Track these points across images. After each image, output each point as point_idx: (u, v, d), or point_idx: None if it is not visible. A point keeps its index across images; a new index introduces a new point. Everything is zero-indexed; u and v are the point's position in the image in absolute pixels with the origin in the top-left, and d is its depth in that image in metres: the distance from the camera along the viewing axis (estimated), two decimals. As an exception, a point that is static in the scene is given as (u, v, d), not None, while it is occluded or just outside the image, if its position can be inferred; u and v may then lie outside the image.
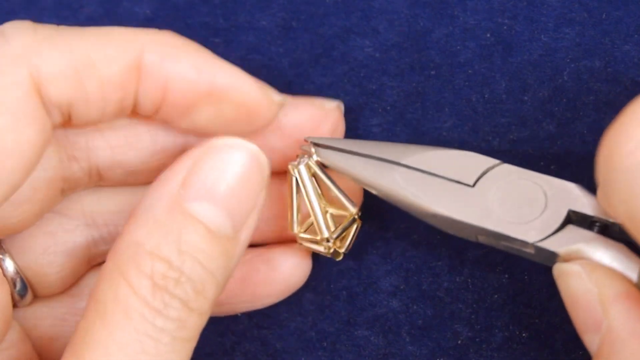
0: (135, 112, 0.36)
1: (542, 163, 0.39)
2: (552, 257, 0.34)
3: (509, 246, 0.35)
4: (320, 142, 0.38)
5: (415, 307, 0.40)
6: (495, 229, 0.34)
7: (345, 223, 0.38)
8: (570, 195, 0.34)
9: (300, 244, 0.39)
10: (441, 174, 0.36)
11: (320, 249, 0.39)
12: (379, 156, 0.37)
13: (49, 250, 0.38)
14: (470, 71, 0.41)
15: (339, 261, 0.40)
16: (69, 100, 0.34)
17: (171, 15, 0.44)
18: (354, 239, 0.39)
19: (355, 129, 0.41)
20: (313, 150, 0.37)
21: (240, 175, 0.33)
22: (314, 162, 0.37)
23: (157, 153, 0.38)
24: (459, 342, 0.39)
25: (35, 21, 0.45)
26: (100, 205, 0.39)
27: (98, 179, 0.38)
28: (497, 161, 0.36)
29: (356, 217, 0.39)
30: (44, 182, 0.36)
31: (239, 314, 0.41)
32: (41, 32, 0.34)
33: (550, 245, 0.34)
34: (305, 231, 0.39)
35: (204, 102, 0.35)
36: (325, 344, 0.40)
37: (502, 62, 0.40)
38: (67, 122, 0.35)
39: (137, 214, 0.33)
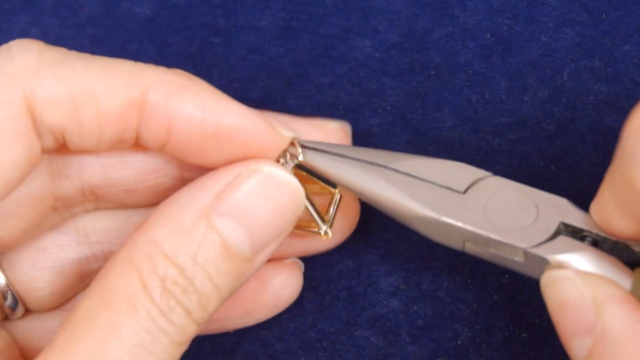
0: (139, 145, 0.36)
1: (542, 163, 0.39)
2: (541, 265, 0.33)
3: (496, 254, 0.34)
4: (309, 144, 0.37)
5: (415, 307, 0.40)
6: (485, 233, 0.34)
7: (332, 205, 0.38)
8: (562, 209, 0.34)
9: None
10: (431, 179, 0.35)
11: (312, 230, 0.38)
12: (367, 160, 0.36)
13: (39, 264, 0.38)
14: (470, 71, 0.41)
15: (339, 261, 0.40)
16: (62, 127, 0.34)
17: (171, 15, 0.44)
18: (336, 212, 0.38)
19: (355, 129, 0.41)
20: (300, 151, 0.37)
21: (277, 208, 0.34)
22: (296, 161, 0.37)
23: (152, 172, 0.37)
24: (459, 342, 0.39)
25: (35, 21, 0.45)
26: (95, 222, 0.39)
27: (94, 198, 0.38)
28: (488, 173, 0.35)
29: (339, 194, 0.38)
30: (31, 197, 0.36)
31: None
32: (48, 54, 0.34)
33: (543, 251, 0.33)
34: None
35: (211, 141, 0.35)
36: (325, 344, 0.40)
37: (502, 62, 0.40)
38: (62, 146, 0.35)
39: (163, 212, 0.33)
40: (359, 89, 0.41)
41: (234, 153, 0.35)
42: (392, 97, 0.41)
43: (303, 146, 0.37)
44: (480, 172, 0.35)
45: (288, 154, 0.36)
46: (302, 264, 0.40)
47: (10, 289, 0.37)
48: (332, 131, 0.39)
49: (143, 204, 0.38)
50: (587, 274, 0.32)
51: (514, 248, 0.34)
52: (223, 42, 0.43)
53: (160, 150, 0.35)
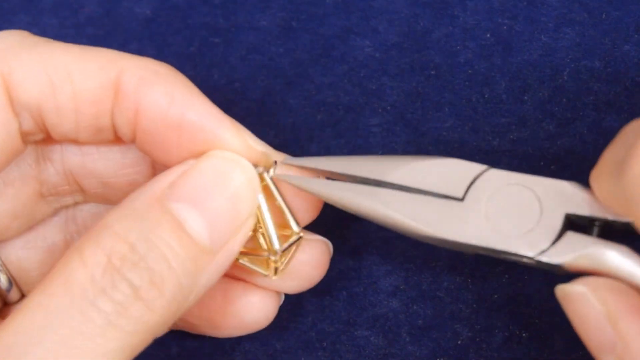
0: (119, 139, 0.36)
1: (542, 163, 0.39)
2: (555, 266, 0.33)
3: (507, 258, 0.34)
4: (296, 163, 0.36)
5: (415, 307, 0.40)
6: (492, 247, 0.33)
7: (291, 239, 0.36)
8: (565, 197, 0.33)
9: (238, 260, 0.36)
10: (427, 188, 0.34)
11: (257, 268, 0.36)
12: (360, 175, 0.35)
13: (29, 244, 0.38)
14: (470, 71, 0.41)
15: (339, 261, 0.40)
16: (38, 105, 0.34)
17: (171, 15, 0.44)
18: (293, 257, 0.37)
19: (355, 128, 0.41)
20: (274, 168, 0.36)
21: (232, 192, 0.33)
22: (268, 175, 0.36)
23: (126, 167, 0.37)
24: (459, 342, 0.39)
25: (35, 21, 0.45)
26: (82, 211, 0.39)
27: (78, 189, 0.38)
28: (483, 166, 0.34)
29: (300, 235, 0.36)
30: (15, 178, 0.36)
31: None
32: (29, 39, 0.34)
33: (551, 257, 0.32)
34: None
35: (174, 134, 0.34)
36: (325, 344, 0.40)
37: (502, 62, 0.40)
38: (46, 138, 0.35)
39: (117, 205, 0.32)
40: (359, 89, 0.41)
41: (199, 153, 0.34)
42: (392, 97, 0.41)
43: (292, 165, 0.36)
44: (475, 168, 0.34)
45: (267, 175, 0.35)
46: (282, 295, 0.38)
47: (3, 269, 0.37)
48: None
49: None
50: (597, 287, 0.31)
51: (524, 256, 0.33)
52: (223, 42, 0.43)
53: (132, 141, 0.35)
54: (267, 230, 0.35)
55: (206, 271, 0.32)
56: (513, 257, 0.33)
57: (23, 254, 0.38)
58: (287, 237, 0.36)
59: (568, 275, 0.33)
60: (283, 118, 0.42)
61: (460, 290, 0.39)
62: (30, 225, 0.38)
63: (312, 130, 0.41)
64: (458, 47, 0.41)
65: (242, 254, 0.36)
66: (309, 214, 0.37)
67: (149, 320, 0.30)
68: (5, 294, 0.37)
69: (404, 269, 0.40)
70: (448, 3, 0.41)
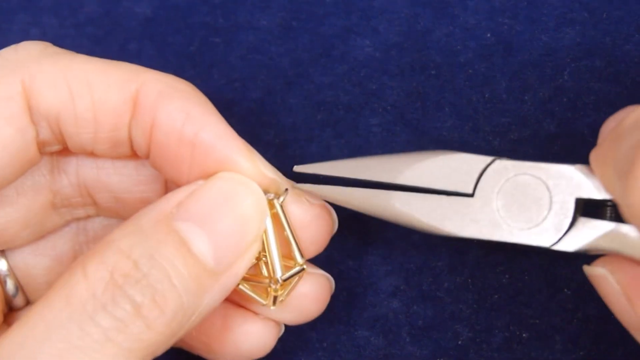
0: (134, 153, 0.36)
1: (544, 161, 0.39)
2: (572, 254, 0.33)
3: (523, 246, 0.34)
4: (309, 170, 0.36)
5: (415, 307, 0.40)
6: (507, 240, 0.34)
7: (293, 269, 0.36)
8: (574, 182, 0.33)
9: (239, 287, 0.36)
10: (438, 187, 0.35)
11: (256, 296, 0.36)
12: (370, 180, 0.35)
13: (37, 251, 0.38)
14: (470, 71, 0.41)
15: (339, 261, 0.40)
16: (56, 113, 0.34)
17: (171, 15, 0.44)
18: (293, 289, 0.37)
19: (355, 128, 0.41)
20: (285, 196, 0.36)
21: (239, 213, 0.33)
22: (278, 202, 0.35)
23: (140, 184, 0.37)
24: (459, 342, 0.39)
25: (35, 21, 0.45)
26: (94, 223, 0.39)
27: (92, 202, 0.38)
28: (489, 158, 0.34)
29: (304, 267, 0.36)
30: (29, 187, 0.36)
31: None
32: (51, 49, 0.34)
33: (566, 245, 0.33)
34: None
35: (187, 152, 0.34)
36: (325, 344, 0.40)
37: (502, 62, 0.40)
38: (63, 149, 0.35)
39: (124, 222, 0.32)
40: (359, 89, 0.41)
41: (210, 174, 0.34)
42: (392, 97, 0.41)
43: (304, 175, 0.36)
44: (481, 160, 0.35)
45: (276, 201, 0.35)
46: (282, 326, 0.38)
47: (10, 274, 0.37)
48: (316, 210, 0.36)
49: None
50: (614, 269, 0.32)
51: (540, 247, 0.33)
52: (223, 42, 0.43)
53: (147, 156, 0.35)
54: (271, 258, 0.35)
55: (209, 292, 0.32)
56: (529, 247, 0.34)
57: (31, 260, 0.38)
58: (290, 267, 0.36)
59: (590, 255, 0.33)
60: (283, 118, 0.42)
61: (461, 290, 0.39)
62: (41, 235, 0.38)
63: (312, 130, 0.41)
64: (458, 47, 0.41)
65: (244, 279, 0.35)
66: (314, 247, 0.37)
67: (148, 338, 0.30)
68: (11, 300, 0.37)
69: (404, 270, 0.40)
70: (448, 3, 0.41)
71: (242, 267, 0.33)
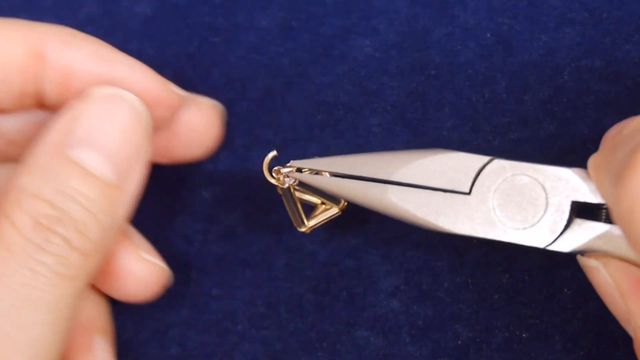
0: (41, 104, 0.37)
1: (542, 163, 0.39)
2: (566, 255, 0.34)
3: (518, 247, 0.34)
4: (304, 165, 0.37)
5: (415, 307, 0.40)
6: (502, 239, 0.34)
7: (323, 213, 0.39)
8: (570, 185, 0.33)
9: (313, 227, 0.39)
10: (435, 185, 0.35)
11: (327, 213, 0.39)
12: (367, 176, 0.36)
13: None
14: (470, 71, 0.41)
15: (339, 261, 0.40)
16: None
17: (171, 15, 0.44)
18: (322, 221, 0.40)
19: (355, 128, 0.41)
20: (294, 176, 0.37)
21: (122, 125, 0.34)
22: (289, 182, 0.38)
23: (36, 126, 0.38)
24: (459, 342, 0.39)
25: (35, 21, 0.45)
26: None
27: None
28: (487, 158, 0.35)
29: (339, 212, 0.39)
30: None
31: (238, 315, 0.41)
32: None
33: (561, 246, 0.33)
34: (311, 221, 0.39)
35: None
36: (325, 344, 0.40)
37: (502, 62, 0.40)
38: None
39: (23, 162, 0.34)
40: (359, 89, 0.41)
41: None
42: (392, 97, 0.41)
43: (299, 170, 0.37)
44: (479, 160, 0.35)
45: (286, 177, 0.38)
46: (167, 273, 0.40)
47: None
48: (204, 106, 0.39)
49: None
50: (608, 261, 0.32)
51: (535, 248, 0.34)
52: (223, 42, 0.43)
53: (59, 107, 0.36)
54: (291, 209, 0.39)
55: (120, 204, 0.34)
56: (524, 247, 0.34)
57: None
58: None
59: None
60: (283, 118, 0.42)
61: (461, 290, 0.39)
62: None
63: (312, 130, 0.41)
64: (458, 47, 0.41)
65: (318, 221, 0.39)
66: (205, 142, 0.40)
67: (86, 263, 0.34)
68: None
69: (404, 270, 0.40)
70: (448, 3, 0.41)
71: (140, 171, 0.35)
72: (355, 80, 0.41)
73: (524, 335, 0.38)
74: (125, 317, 0.42)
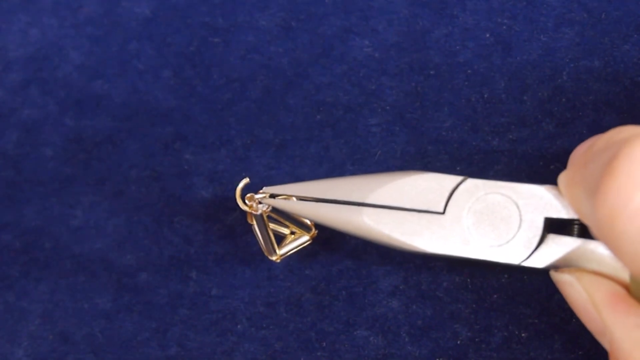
0: None
1: (541, 163, 0.39)
2: (541, 270, 0.34)
3: (494, 265, 0.35)
4: (278, 191, 0.37)
5: (414, 307, 0.40)
6: (477, 257, 0.34)
7: (293, 242, 0.40)
8: (543, 201, 0.34)
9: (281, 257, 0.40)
10: (409, 206, 0.35)
11: (297, 241, 0.40)
12: (341, 199, 0.36)
13: None
14: (469, 71, 0.41)
15: (339, 261, 0.40)
16: None
17: (171, 15, 0.44)
18: (292, 249, 0.40)
19: (354, 128, 0.41)
20: (267, 203, 0.38)
21: None
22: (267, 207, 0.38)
23: None
24: (459, 342, 0.39)
25: (35, 21, 0.45)
26: None
27: None
28: (460, 177, 0.35)
29: (310, 239, 0.40)
30: None
31: (238, 315, 0.41)
32: None
33: (535, 262, 0.34)
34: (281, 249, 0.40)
35: None
36: (324, 344, 0.40)
37: (501, 62, 0.40)
38: None
39: None
40: (358, 89, 0.41)
41: None
42: (392, 97, 0.41)
43: (272, 196, 0.37)
44: (452, 180, 0.35)
45: (259, 203, 0.38)
46: None
47: None
48: None
49: None
50: (581, 275, 0.33)
51: (509, 265, 0.34)
52: (222, 42, 0.43)
53: None
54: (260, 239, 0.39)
55: None
56: (499, 264, 0.34)
57: None
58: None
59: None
60: (282, 118, 0.42)
61: (460, 290, 0.39)
62: None
63: (312, 130, 0.41)
64: (457, 47, 0.41)
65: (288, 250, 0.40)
66: None
67: None
68: None
69: (403, 269, 0.40)
70: (447, 3, 0.41)
71: None
72: (354, 80, 0.41)
73: (523, 334, 0.39)
74: (125, 317, 0.42)
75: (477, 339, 0.39)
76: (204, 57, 0.43)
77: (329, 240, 0.41)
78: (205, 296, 0.41)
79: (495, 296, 0.39)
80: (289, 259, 0.41)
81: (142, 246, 0.42)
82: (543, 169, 0.39)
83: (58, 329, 0.42)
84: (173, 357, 0.41)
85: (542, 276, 0.39)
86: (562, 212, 0.34)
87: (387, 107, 0.41)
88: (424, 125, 0.41)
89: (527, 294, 0.39)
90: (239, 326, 0.41)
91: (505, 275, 0.39)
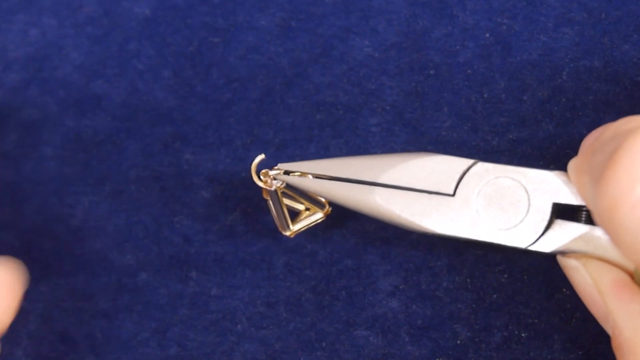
0: None
1: (541, 162, 0.39)
2: (547, 254, 0.34)
3: (501, 248, 0.35)
4: (292, 168, 0.37)
5: (414, 307, 0.40)
6: (485, 240, 0.35)
7: (308, 218, 0.40)
8: (552, 187, 0.34)
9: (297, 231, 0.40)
10: (420, 187, 0.35)
11: (312, 218, 0.40)
12: (354, 178, 0.36)
13: None
14: (469, 71, 0.41)
15: (339, 261, 0.40)
16: None
17: (170, 15, 0.44)
18: (307, 225, 0.40)
19: (354, 128, 0.41)
20: (281, 179, 0.38)
21: None
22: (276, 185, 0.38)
23: None
24: (458, 342, 0.39)
25: (35, 21, 0.45)
26: None
27: None
28: (471, 161, 0.35)
29: (324, 215, 0.40)
30: None
31: (238, 314, 0.41)
32: None
33: (542, 246, 0.34)
34: (296, 225, 0.40)
35: None
36: (324, 344, 0.40)
37: (501, 62, 0.40)
38: None
39: None
40: (358, 89, 0.41)
41: None
42: (391, 97, 0.41)
43: (286, 172, 0.38)
44: (463, 163, 0.35)
45: (273, 180, 0.38)
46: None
47: None
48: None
49: None
50: (587, 261, 0.33)
51: (516, 248, 0.34)
52: (222, 42, 0.43)
53: None
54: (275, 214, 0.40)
55: None
56: (506, 247, 0.35)
57: None
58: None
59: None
60: (282, 118, 0.42)
61: (460, 290, 0.39)
62: None
63: (312, 130, 0.41)
64: (457, 47, 0.41)
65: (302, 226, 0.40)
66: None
67: None
68: None
69: (403, 269, 0.40)
70: (447, 3, 0.41)
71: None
72: (354, 80, 0.41)
73: (522, 334, 0.39)
74: (125, 317, 0.42)
75: (476, 339, 0.39)
76: (203, 57, 0.43)
77: (329, 240, 0.41)
78: (205, 296, 0.41)
79: (495, 296, 0.39)
80: (289, 259, 0.41)
81: (142, 246, 0.42)
82: (543, 169, 0.39)
83: (58, 329, 0.42)
84: (173, 357, 0.41)
85: (542, 276, 0.39)
86: (570, 198, 0.34)
87: (387, 107, 0.41)
88: (424, 125, 0.41)
89: (527, 294, 0.39)
90: (238, 326, 0.41)
91: (505, 275, 0.39)
